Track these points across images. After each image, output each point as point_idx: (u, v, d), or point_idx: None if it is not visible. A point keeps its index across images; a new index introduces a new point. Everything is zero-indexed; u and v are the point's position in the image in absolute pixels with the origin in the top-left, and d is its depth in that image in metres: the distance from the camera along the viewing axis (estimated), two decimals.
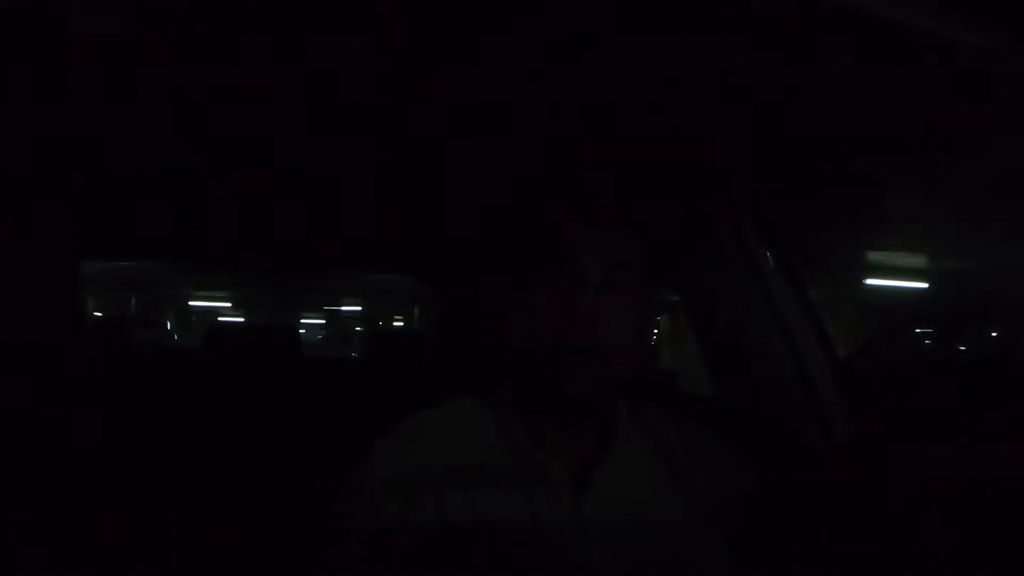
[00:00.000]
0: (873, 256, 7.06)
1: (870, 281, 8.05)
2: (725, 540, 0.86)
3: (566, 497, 0.81)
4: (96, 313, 6.15)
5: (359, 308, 13.70)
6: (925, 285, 8.01)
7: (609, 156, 1.25)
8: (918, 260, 7.07)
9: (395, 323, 13.49)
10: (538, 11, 0.79)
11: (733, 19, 0.78)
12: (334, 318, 15.67)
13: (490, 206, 1.61)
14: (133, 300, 9.27)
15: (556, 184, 1.13)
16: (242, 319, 12.61)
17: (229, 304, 13.13)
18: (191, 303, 13.17)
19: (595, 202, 0.87)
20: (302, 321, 14.24)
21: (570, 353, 0.78)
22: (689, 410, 1.01)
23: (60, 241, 1.11)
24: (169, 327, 11.73)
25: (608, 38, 0.85)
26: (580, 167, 1.30)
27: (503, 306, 0.86)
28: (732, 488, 0.89)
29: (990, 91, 0.87)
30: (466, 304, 2.37)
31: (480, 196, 1.61)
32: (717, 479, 0.89)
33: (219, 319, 12.86)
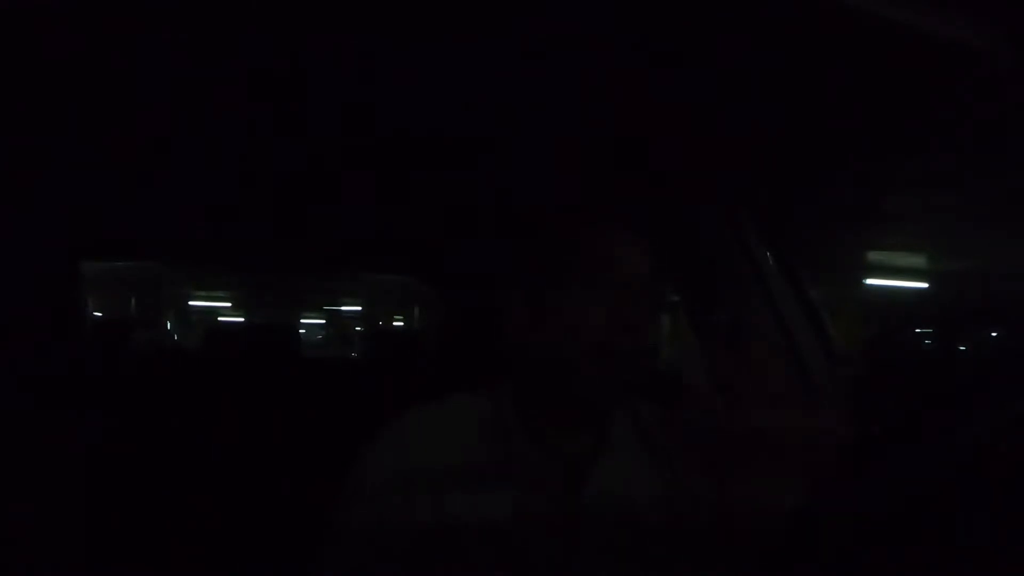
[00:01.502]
0: (873, 256, 7.07)
1: (870, 281, 8.05)
2: (723, 540, 0.86)
3: (562, 496, 0.81)
4: (96, 313, 6.15)
5: (359, 308, 13.71)
6: (925, 285, 8.01)
7: (609, 157, 1.25)
8: (918, 260, 7.07)
9: (395, 323, 13.49)
10: (541, 12, 0.79)
11: (734, 19, 0.78)
12: (334, 318, 15.66)
13: (500, 208, 1.61)
14: (133, 300, 9.26)
15: (569, 189, 1.13)
16: (242, 319, 12.61)
17: (229, 304, 13.14)
18: (191, 303, 13.17)
19: (608, 208, 0.87)
20: (302, 321, 14.23)
21: (586, 357, 0.79)
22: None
23: (60, 241, 1.11)
24: (169, 327, 11.72)
25: (609, 39, 0.85)
26: (583, 171, 1.30)
27: (511, 308, 0.86)
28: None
29: (990, 91, 0.87)
30: (467, 304, 2.37)
31: (486, 197, 1.61)
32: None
33: (219, 319, 12.86)
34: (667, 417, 0.94)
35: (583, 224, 0.85)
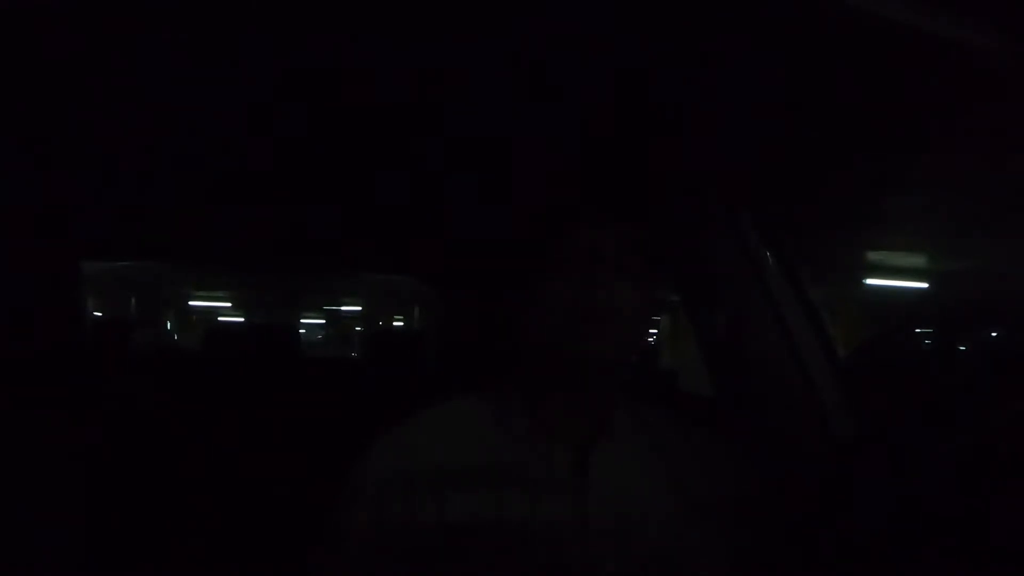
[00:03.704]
0: (873, 256, 7.06)
1: (870, 281, 8.05)
2: (724, 540, 0.86)
3: (566, 491, 0.81)
4: (96, 313, 6.14)
5: (359, 308, 13.69)
6: (925, 285, 8.01)
7: (610, 157, 1.25)
8: (918, 260, 7.07)
9: (395, 323, 13.48)
10: (540, 11, 0.79)
11: (734, 19, 0.78)
12: (334, 318, 15.65)
13: (497, 206, 1.62)
14: (133, 300, 9.25)
15: (561, 184, 1.13)
16: (242, 319, 12.61)
17: (229, 304, 13.12)
18: (191, 303, 13.16)
19: (603, 201, 0.87)
20: (302, 321, 14.22)
21: (589, 317, 0.79)
22: (689, 410, 1.01)
23: (60, 241, 1.11)
24: (169, 327, 11.72)
25: (609, 39, 0.85)
26: (581, 168, 1.30)
27: (511, 300, 0.86)
28: (731, 488, 0.89)
29: (990, 91, 0.87)
30: (467, 303, 2.37)
31: (483, 196, 1.61)
32: (716, 479, 0.89)
33: (219, 319, 12.85)
34: (667, 415, 0.94)
35: (552, 213, 0.86)
